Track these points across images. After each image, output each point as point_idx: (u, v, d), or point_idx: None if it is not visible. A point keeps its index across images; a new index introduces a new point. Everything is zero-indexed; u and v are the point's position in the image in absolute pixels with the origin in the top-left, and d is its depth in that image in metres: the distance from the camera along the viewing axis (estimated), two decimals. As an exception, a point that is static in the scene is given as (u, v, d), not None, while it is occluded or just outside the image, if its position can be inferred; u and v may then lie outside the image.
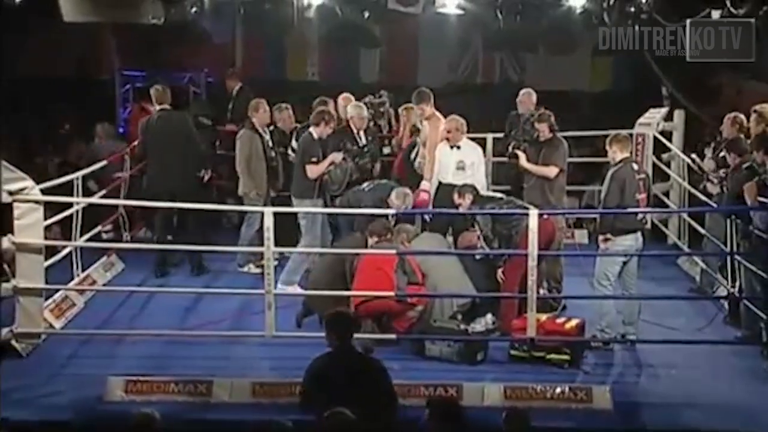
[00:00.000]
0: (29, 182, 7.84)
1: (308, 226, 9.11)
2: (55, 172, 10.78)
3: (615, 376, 7.61)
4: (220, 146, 11.22)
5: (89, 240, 9.40)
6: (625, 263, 8.05)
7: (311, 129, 9.31)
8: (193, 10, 10.86)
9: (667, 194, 11.16)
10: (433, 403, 5.67)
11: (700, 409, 7.03)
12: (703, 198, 9.55)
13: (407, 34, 13.90)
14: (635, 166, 8.18)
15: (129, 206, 10.53)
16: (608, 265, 8.00)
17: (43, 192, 8.01)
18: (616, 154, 8.11)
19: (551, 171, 9.01)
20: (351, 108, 9.82)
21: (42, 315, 7.99)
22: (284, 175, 9.90)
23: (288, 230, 9.07)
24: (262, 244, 8.06)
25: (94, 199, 9.84)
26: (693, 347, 7.88)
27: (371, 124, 10.19)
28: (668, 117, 11.55)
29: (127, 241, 10.73)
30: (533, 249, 7.65)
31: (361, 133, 9.80)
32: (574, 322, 7.92)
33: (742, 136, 8.84)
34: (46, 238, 8.10)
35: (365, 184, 9.20)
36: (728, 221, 8.46)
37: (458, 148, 9.28)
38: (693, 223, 10.03)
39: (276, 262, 8.24)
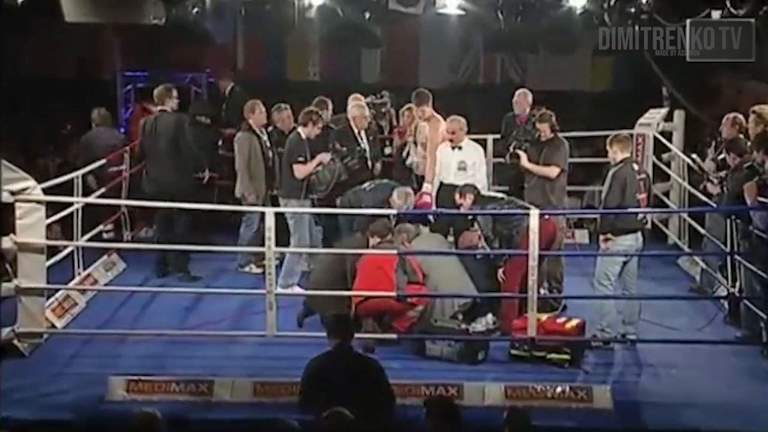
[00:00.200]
0: (31, 182, 7.85)
1: (295, 226, 9.09)
2: (56, 172, 10.78)
3: (615, 376, 7.61)
4: (222, 146, 11.19)
5: (90, 239, 9.42)
6: (625, 263, 8.06)
7: (299, 129, 9.30)
8: (195, 10, 10.87)
9: (667, 194, 11.17)
10: (430, 403, 5.69)
11: (701, 408, 7.04)
12: (703, 198, 9.56)
13: (408, 34, 13.90)
14: (636, 167, 8.20)
15: (130, 206, 10.54)
16: (609, 265, 8.02)
17: (44, 191, 8.03)
18: (616, 154, 8.12)
19: (552, 171, 9.03)
20: (353, 108, 9.84)
21: (44, 314, 8.01)
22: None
23: (284, 230, 9.08)
24: (261, 245, 8.08)
25: (95, 199, 9.85)
26: (693, 347, 7.89)
27: (373, 124, 10.21)
28: (668, 117, 11.56)
29: (128, 241, 10.75)
30: (534, 249, 7.67)
31: (363, 133, 9.82)
32: (574, 322, 7.93)
33: (741, 136, 8.85)
34: (47, 237, 8.11)
35: (366, 184, 9.22)
36: (728, 221, 8.47)
37: (459, 148, 9.31)
38: (693, 223, 10.04)
39: (277, 262, 8.26)
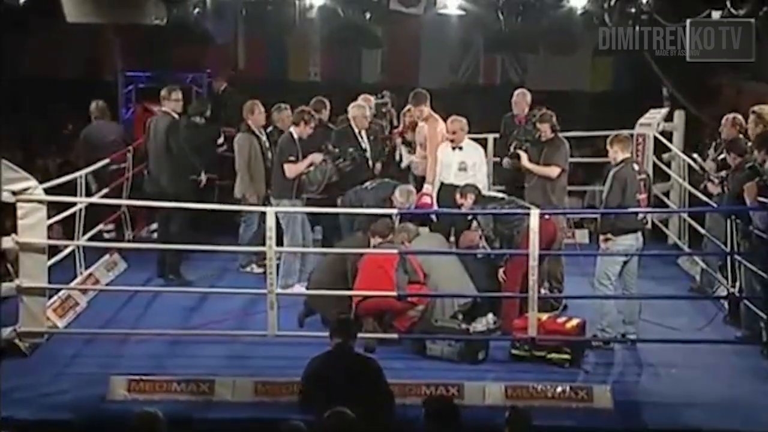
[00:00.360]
0: (32, 182, 7.87)
1: (288, 226, 9.08)
2: (57, 172, 10.78)
3: (615, 376, 7.62)
4: (221, 145, 11.18)
5: (91, 239, 9.44)
6: (625, 263, 8.07)
7: (291, 129, 9.31)
8: (196, 10, 10.87)
9: (667, 194, 11.19)
10: (428, 403, 5.70)
11: (701, 408, 7.05)
12: (704, 198, 9.58)
13: (409, 34, 13.92)
14: (636, 167, 8.21)
15: (131, 205, 10.56)
16: (609, 265, 8.03)
17: (45, 191, 8.04)
18: (617, 154, 8.13)
19: (553, 171, 9.05)
20: (353, 108, 9.85)
21: (45, 314, 8.02)
22: None
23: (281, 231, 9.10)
24: (262, 244, 8.08)
25: (97, 199, 9.87)
26: (693, 347, 7.90)
27: (374, 123, 10.22)
28: (668, 117, 11.58)
29: (129, 240, 10.77)
30: (534, 249, 7.68)
31: (363, 133, 9.83)
32: (574, 322, 7.94)
33: (741, 136, 8.86)
34: (48, 237, 8.13)
35: (367, 183, 9.24)
36: (728, 221, 8.48)
37: (460, 149, 9.32)
38: (693, 223, 10.06)
39: (278, 262, 8.26)
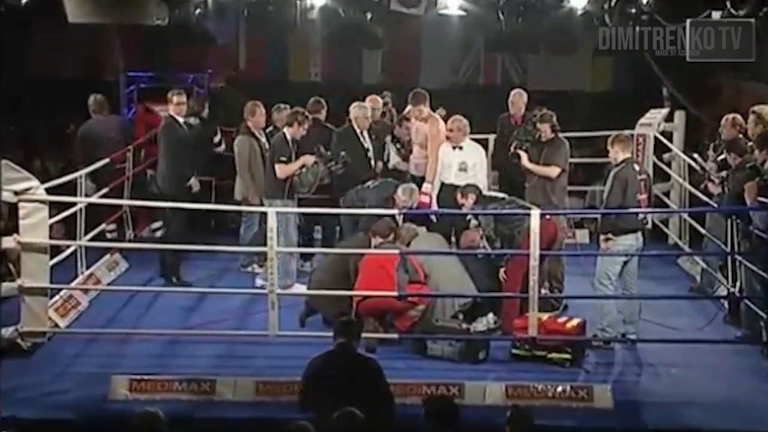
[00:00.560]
0: (34, 182, 7.89)
1: (282, 226, 9.08)
2: (58, 173, 10.78)
3: (616, 375, 7.64)
4: (219, 144, 11.14)
5: (93, 239, 9.45)
6: (625, 263, 8.09)
7: (285, 129, 9.31)
8: (197, 11, 10.87)
9: (667, 194, 11.20)
10: (428, 402, 5.72)
11: (701, 407, 7.06)
12: (704, 198, 9.59)
13: (409, 35, 13.94)
14: (637, 167, 8.22)
15: (132, 206, 10.58)
16: (609, 265, 8.04)
17: (47, 191, 8.05)
18: (618, 154, 8.14)
19: (553, 171, 9.05)
20: (354, 108, 9.86)
21: (47, 314, 8.04)
22: None
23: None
24: (263, 245, 8.10)
25: (98, 199, 9.88)
26: (693, 346, 7.92)
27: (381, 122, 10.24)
28: (669, 118, 11.59)
29: (130, 240, 10.78)
30: (535, 249, 7.69)
31: (365, 133, 9.84)
32: (575, 322, 7.96)
33: (741, 136, 8.87)
34: (50, 237, 8.14)
35: (369, 183, 9.27)
36: (729, 221, 8.49)
37: (460, 148, 9.34)
38: (693, 223, 10.07)
39: (279, 262, 8.28)
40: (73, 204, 9.03)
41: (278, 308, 7.90)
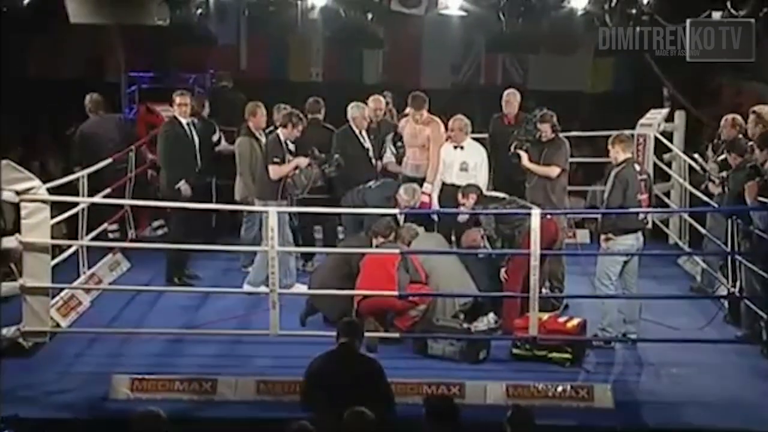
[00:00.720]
0: (36, 182, 7.89)
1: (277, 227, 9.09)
2: (59, 174, 10.78)
3: (616, 375, 7.65)
4: (218, 143, 11.12)
5: (95, 239, 9.47)
6: (626, 263, 8.10)
7: (278, 130, 9.30)
8: (198, 11, 10.89)
9: (667, 194, 11.21)
10: (429, 402, 5.73)
11: (701, 407, 7.08)
12: (704, 198, 9.60)
13: (410, 35, 13.95)
14: (637, 167, 8.23)
15: (134, 206, 10.59)
16: (609, 265, 8.06)
17: (48, 191, 8.06)
18: (618, 154, 8.15)
19: (553, 171, 9.06)
20: (352, 108, 9.86)
21: (49, 314, 8.03)
22: None
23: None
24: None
25: (100, 199, 9.88)
26: (694, 346, 7.93)
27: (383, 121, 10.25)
28: (669, 118, 11.60)
29: (132, 240, 10.80)
30: (535, 249, 7.70)
31: (364, 133, 9.85)
32: (575, 321, 7.97)
33: (741, 136, 8.89)
34: (52, 237, 8.16)
35: (371, 182, 9.28)
36: (729, 221, 8.51)
37: (462, 148, 9.35)
38: (694, 222, 10.08)
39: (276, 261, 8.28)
40: (75, 204, 9.04)
41: (279, 307, 7.90)
